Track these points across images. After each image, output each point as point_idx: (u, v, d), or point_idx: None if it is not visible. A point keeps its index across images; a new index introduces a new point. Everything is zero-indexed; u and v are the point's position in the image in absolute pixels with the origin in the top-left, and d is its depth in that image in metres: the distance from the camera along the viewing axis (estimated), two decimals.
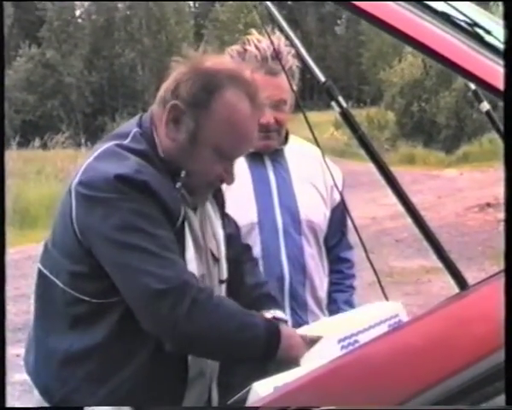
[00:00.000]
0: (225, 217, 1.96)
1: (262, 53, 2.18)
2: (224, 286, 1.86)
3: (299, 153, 2.36)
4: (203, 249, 1.78)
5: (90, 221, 1.62)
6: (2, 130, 1.03)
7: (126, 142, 1.70)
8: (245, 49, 2.20)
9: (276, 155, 2.33)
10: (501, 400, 0.96)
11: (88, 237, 1.63)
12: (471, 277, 1.29)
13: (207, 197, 1.83)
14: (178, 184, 1.70)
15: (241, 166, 1.75)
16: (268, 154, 2.30)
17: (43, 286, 1.75)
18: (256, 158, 2.29)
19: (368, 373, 1.05)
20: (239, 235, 2.09)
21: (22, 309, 6.80)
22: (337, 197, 2.35)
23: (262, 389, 1.35)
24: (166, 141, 1.71)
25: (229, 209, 1.98)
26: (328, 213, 2.37)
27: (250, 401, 1.37)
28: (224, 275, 1.86)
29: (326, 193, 2.36)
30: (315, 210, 2.33)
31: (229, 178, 1.76)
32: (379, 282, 1.89)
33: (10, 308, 6.68)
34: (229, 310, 1.65)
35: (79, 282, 1.67)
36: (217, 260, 1.84)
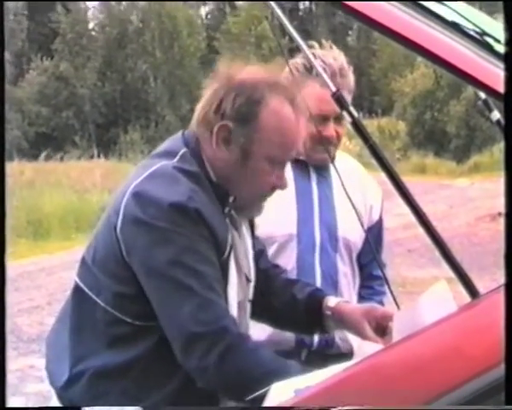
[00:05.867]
0: (254, 237, 1.93)
1: (330, 68, 2.16)
2: (249, 305, 1.84)
3: (343, 169, 2.25)
4: (242, 272, 1.77)
5: (138, 245, 1.60)
6: (3, 140, 1.04)
7: (175, 161, 1.67)
8: (311, 64, 2.15)
9: (322, 169, 2.32)
10: None
11: (134, 260, 1.61)
12: (483, 287, 1.29)
13: (261, 209, 1.80)
14: (227, 209, 1.70)
15: (286, 175, 1.75)
16: (314, 166, 2.30)
17: (81, 301, 1.72)
18: (302, 169, 2.29)
19: (378, 383, 1.05)
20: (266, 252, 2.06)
21: (36, 320, 6.81)
22: (375, 217, 2.39)
23: (281, 391, 1.33)
24: (217, 163, 1.69)
25: (269, 217, 1.89)
26: (364, 233, 2.33)
27: (265, 402, 1.36)
28: (251, 295, 1.84)
29: (365, 212, 2.35)
30: (352, 229, 2.30)
31: (282, 184, 1.75)
32: (391, 292, 1.89)
33: (24, 320, 6.70)
34: (262, 357, 1.62)
35: (123, 303, 1.65)
36: (249, 281, 1.82)
